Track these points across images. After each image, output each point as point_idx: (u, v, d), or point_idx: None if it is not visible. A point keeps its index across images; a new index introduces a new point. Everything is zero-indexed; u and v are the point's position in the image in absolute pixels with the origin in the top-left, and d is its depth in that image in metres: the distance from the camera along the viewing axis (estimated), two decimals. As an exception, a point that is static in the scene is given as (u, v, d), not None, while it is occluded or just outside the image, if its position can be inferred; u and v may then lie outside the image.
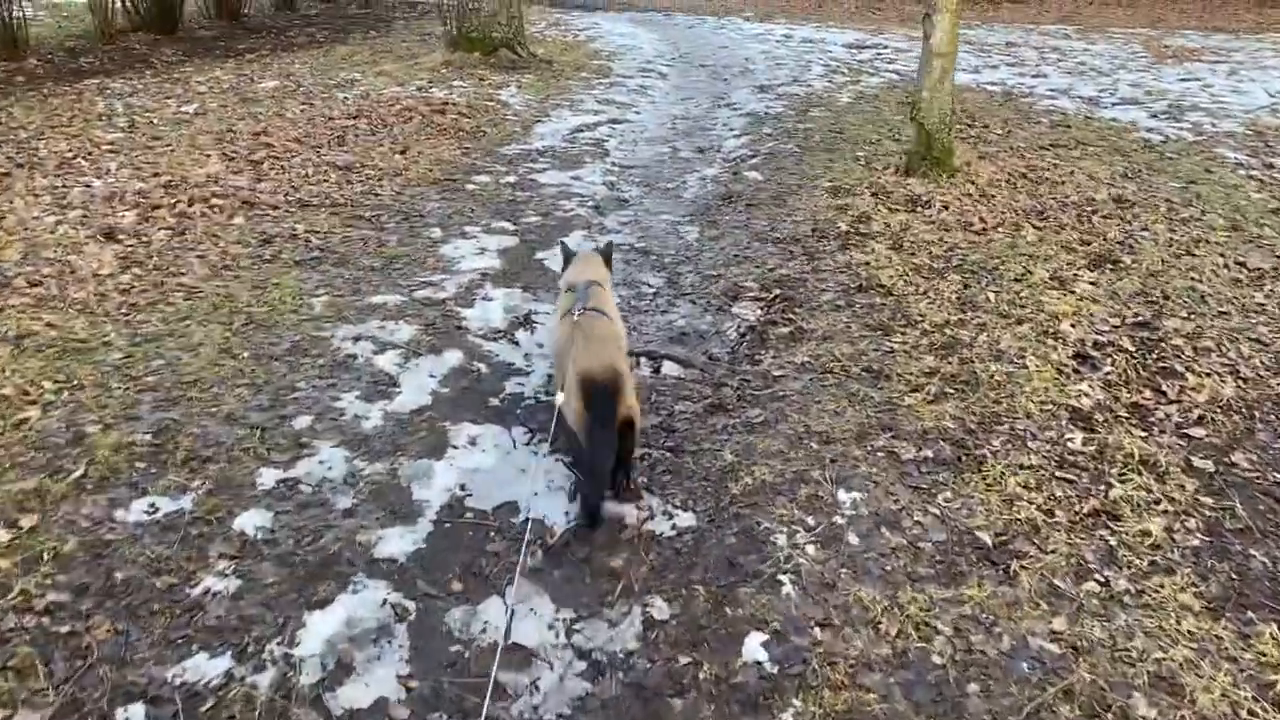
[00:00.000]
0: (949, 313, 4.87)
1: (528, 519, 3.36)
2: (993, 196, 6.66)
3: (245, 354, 4.38)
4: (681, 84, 11.31)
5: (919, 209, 6.41)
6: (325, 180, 6.99)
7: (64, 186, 6.52)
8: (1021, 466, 3.63)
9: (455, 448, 3.78)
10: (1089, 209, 6.46)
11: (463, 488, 3.55)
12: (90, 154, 7.34)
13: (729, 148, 8.37)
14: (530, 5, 15.36)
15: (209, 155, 7.32)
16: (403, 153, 7.78)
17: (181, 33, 13.32)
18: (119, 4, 12.76)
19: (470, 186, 7.06)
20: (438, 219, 6.35)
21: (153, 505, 3.35)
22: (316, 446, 3.73)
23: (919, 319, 4.81)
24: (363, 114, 8.84)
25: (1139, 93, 11.07)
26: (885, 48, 14.44)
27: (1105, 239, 5.88)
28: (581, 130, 8.82)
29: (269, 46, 12.82)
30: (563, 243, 4.69)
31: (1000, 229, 6.06)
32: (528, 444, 3.85)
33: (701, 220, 6.47)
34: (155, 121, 8.34)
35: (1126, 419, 3.95)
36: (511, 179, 7.27)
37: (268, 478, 3.53)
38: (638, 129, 9.07)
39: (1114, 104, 10.47)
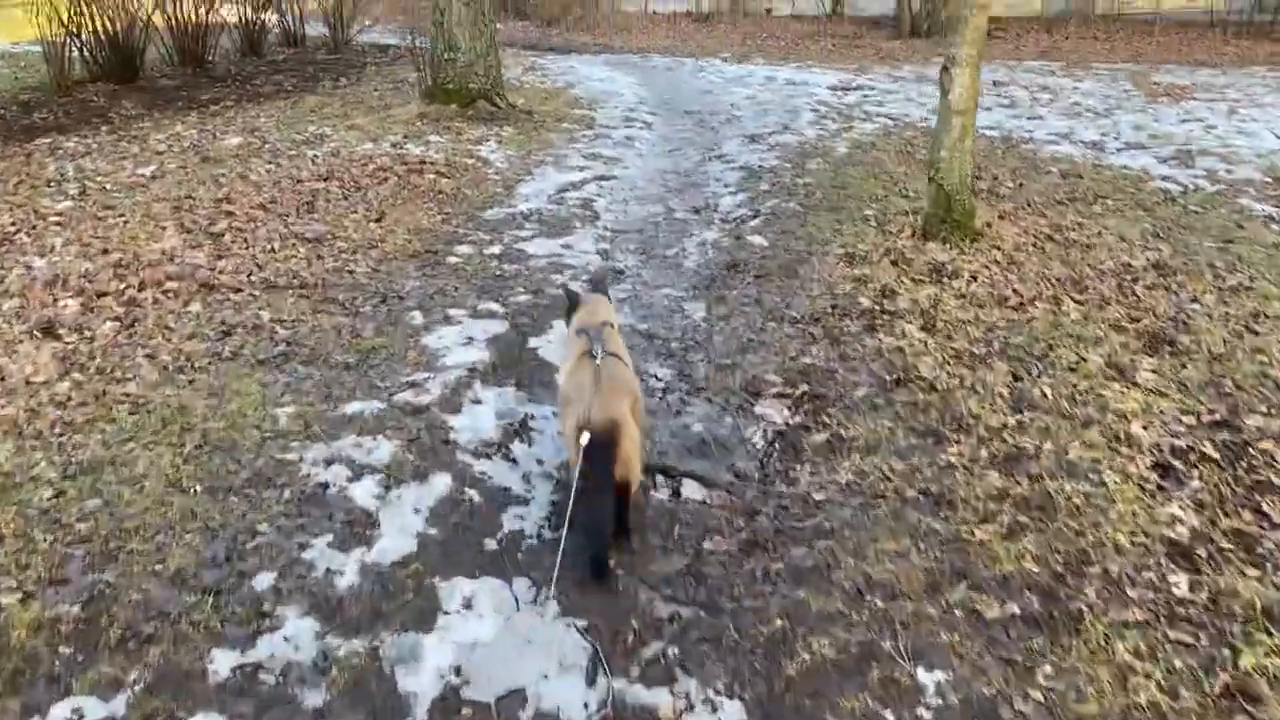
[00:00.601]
0: (1004, 413, 4.31)
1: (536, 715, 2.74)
2: (1022, 264, 6.13)
3: (197, 487, 3.75)
4: (668, 134, 10.78)
5: (945, 280, 5.87)
6: (293, 255, 6.38)
7: (1, 269, 5.87)
8: (1126, 625, 3.04)
9: (447, 613, 3.16)
10: (1128, 277, 5.95)
11: (458, 672, 2.93)
12: (34, 228, 6.71)
13: (726, 207, 7.82)
14: (505, 50, 14.83)
15: (165, 227, 6.70)
16: (378, 220, 7.17)
17: (143, 82, 12.71)
18: (76, 53, 12.12)
19: (452, 259, 6.46)
20: (418, 300, 5.74)
21: (78, 712, 2.70)
22: (281, 616, 3.09)
23: (972, 421, 4.24)
24: (334, 175, 8.24)
25: (1143, 136, 10.65)
26: (871, 89, 14.02)
27: (1155, 315, 5.35)
28: (568, 189, 8.24)
29: (234, 97, 12.21)
30: (565, 286, 4.68)
31: (1038, 303, 5.52)
32: (533, 602, 3.22)
33: (707, 295, 5.89)
34: (108, 187, 7.71)
35: (1232, 552, 3.38)
36: (496, 249, 6.68)
37: (222, 664, 2.89)
38: (627, 186, 8.51)
39: (1119, 149, 10.03)
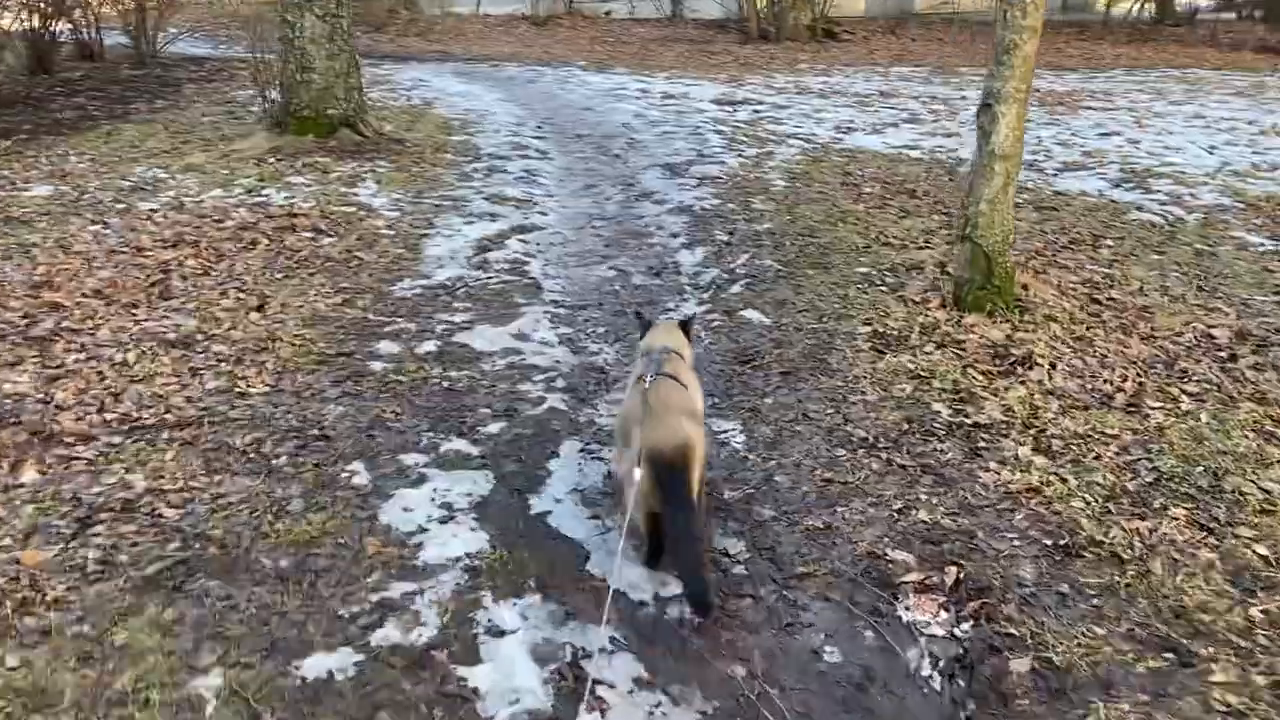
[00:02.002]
0: (1231, 598, 3.14)
1: None
2: (1091, 341, 5.07)
3: None
4: (571, 165, 9.33)
5: (1018, 369, 4.73)
6: (157, 372, 4.68)
7: None
8: None
9: None
10: (1221, 353, 4.99)
11: None
12: None
13: (689, 266, 6.50)
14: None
15: (-40, 338, 4.83)
16: (259, 308, 5.49)
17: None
18: None
19: (376, 366, 4.89)
20: (352, 439, 4.17)
21: None
22: None
23: (1205, 620, 3.06)
24: (184, 240, 6.45)
25: (1074, 154, 9.97)
26: (760, 104, 12.97)
27: (1297, 412, 4.33)
28: (488, 248, 6.73)
29: (29, 127, 10.02)
30: (638, 311, 4.43)
31: (1148, 400, 4.47)
32: None
33: (733, 406, 4.54)
34: None
35: None
36: (430, 345, 5.15)
37: None
38: (555, 239, 7.06)
39: (1059, 170, 9.26)
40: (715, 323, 5.49)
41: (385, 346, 5.13)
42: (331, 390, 4.61)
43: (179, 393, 4.50)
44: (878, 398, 4.53)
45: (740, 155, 9.64)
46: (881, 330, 5.22)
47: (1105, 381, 4.63)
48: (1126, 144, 10.48)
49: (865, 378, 4.72)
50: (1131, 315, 5.43)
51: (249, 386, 4.60)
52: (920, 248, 6.65)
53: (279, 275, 6.00)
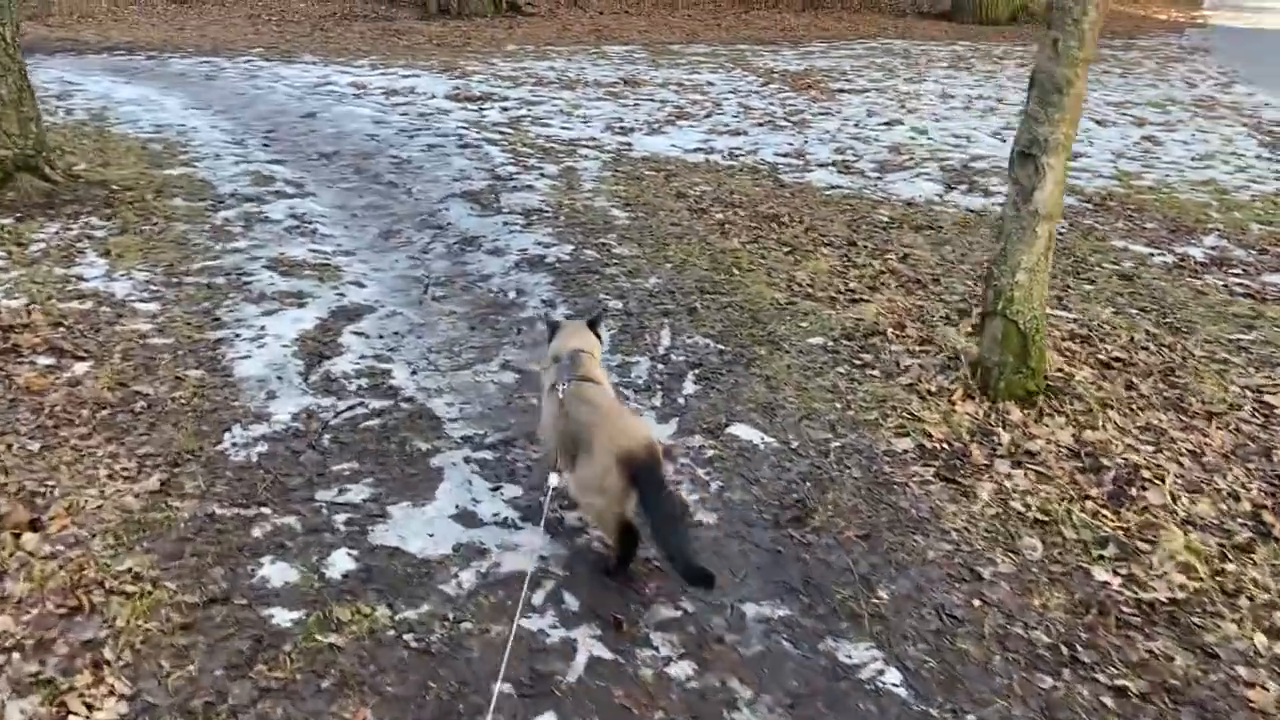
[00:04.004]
0: None
1: None
2: (1162, 431, 4.30)
3: None
4: (345, 201, 7.44)
5: (1131, 490, 3.79)
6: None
7: None
8: None
9: None
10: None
11: None
12: None
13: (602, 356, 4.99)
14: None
15: None
16: (32, 525, 3.45)
17: None
18: None
19: (281, 619, 3.13)
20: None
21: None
22: None
23: None
24: None
25: (882, 150, 9.45)
26: (504, 99, 11.49)
27: None
28: (320, 353, 4.93)
29: None
30: (546, 314, 4.51)
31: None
32: None
33: (840, 611, 3.25)
34: None
35: None
36: (343, 561, 3.46)
37: None
38: (398, 324, 5.34)
39: (879, 171, 8.64)
40: (707, 453, 4.11)
41: (272, 572, 3.33)
42: (236, 690, 2.80)
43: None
44: (1013, 566, 3.40)
45: (541, 174, 8.16)
46: (927, 445, 4.11)
47: (1228, 495, 3.77)
48: (917, 134, 10.07)
49: (967, 529, 3.59)
50: (1163, 383, 4.68)
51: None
52: (853, 299, 5.62)
53: (36, 448, 3.90)
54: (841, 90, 12.54)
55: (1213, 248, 6.81)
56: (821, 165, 8.77)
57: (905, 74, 13.86)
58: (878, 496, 3.79)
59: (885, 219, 7.18)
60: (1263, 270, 6.43)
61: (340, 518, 3.63)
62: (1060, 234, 6.82)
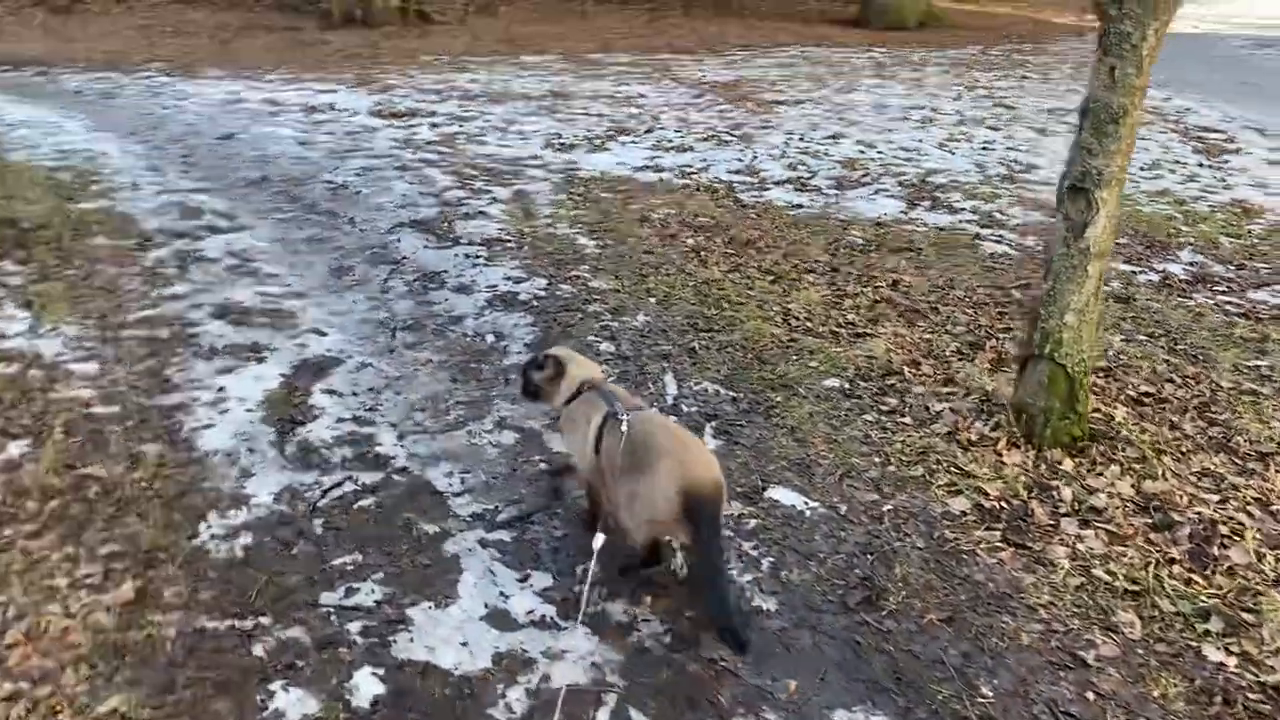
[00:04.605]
0: None
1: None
2: (1221, 478, 4.03)
3: None
4: (285, 235, 6.86)
5: (1212, 549, 3.54)
6: None
7: None
8: None
9: None
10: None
11: None
12: None
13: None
14: None
15: None
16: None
17: None
18: None
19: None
20: None
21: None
22: None
23: None
24: None
25: (831, 166, 9.15)
26: (432, 114, 10.96)
27: None
28: (293, 418, 4.41)
29: None
30: (539, 354, 3.64)
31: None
32: None
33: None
34: None
35: None
36: (368, 683, 3.02)
37: None
38: (373, 379, 4.85)
39: (836, 189, 8.41)
40: (749, 523, 3.74)
41: (287, 702, 2.85)
42: None
43: None
44: (1116, 648, 3.12)
45: (492, 199, 7.71)
46: (985, 505, 3.79)
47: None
48: (866, 148, 9.87)
49: (1053, 603, 3.30)
50: (1200, 420, 4.46)
51: None
52: (856, 334, 5.31)
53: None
54: (777, 102, 12.30)
55: (1190, 264, 6.68)
56: (778, 183, 8.47)
57: (835, 84, 13.70)
58: (948, 569, 3.46)
59: (860, 241, 6.90)
60: (1246, 287, 6.31)
61: (354, 626, 3.15)
62: (1041, 254, 6.63)
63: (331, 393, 4.63)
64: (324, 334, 5.26)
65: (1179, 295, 6.12)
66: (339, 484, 3.92)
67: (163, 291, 5.64)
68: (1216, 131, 11.06)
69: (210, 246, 6.42)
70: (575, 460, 3.54)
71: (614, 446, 3.12)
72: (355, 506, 3.78)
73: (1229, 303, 6.04)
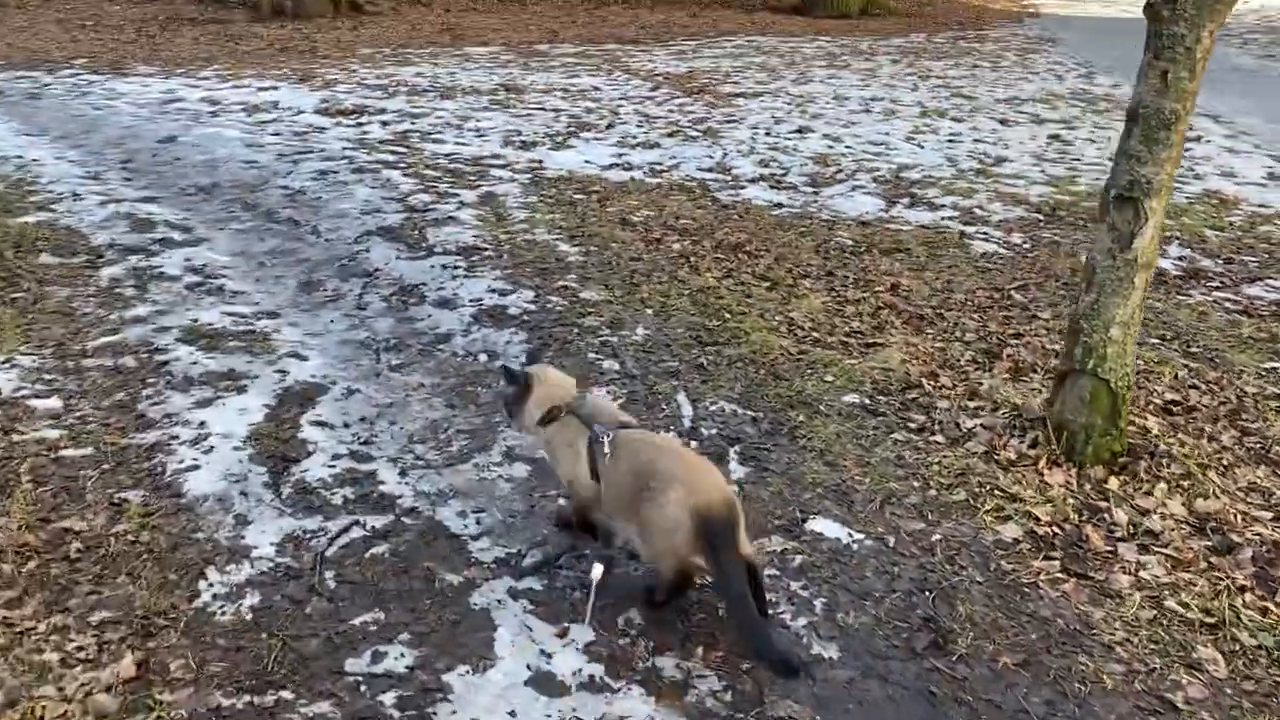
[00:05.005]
0: None
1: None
2: (1270, 493, 3.87)
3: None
4: (246, 247, 6.47)
5: (1274, 578, 3.38)
6: None
7: None
8: None
9: None
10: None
11: None
12: None
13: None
14: None
15: None
16: None
17: None
18: None
19: None
20: None
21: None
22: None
23: None
24: None
25: (803, 162, 8.94)
26: (381, 111, 10.54)
27: None
28: (286, 455, 4.10)
29: None
30: (505, 366, 3.44)
31: None
32: None
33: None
34: None
35: None
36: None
37: None
38: (363, 407, 4.53)
39: (813, 186, 8.20)
40: (794, 560, 3.51)
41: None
42: None
43: None
44: (1203, 689, 2.97)
45: (461, 203, 7.37)
46: (1037, 531, 3.59)
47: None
48: (834, 142, 9.71)
49: (1129, 640, 3.12)
50: (1232, 429, 4.32)
51: None
52: (865, 344, 5.11)
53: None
54: (735, 95, 12.08)
55: (1180, 258, 6.62)
56: (752, 181, 8.26)
57: (789, 75, 13.53)
58: (1014, 606, 3.27)
59: (850, 242, 6.72)
60: (1239, 281, 6.26)
61: (388, 698, 2.85)
62: (1030, 252, 6.52)
63: (322, 424, 4.30)
64: (304, 358, 4.91)
65: (1176, 292, 6.02)
66: (345, 529, 3.60)
67: (123, 314, 5.23)
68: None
69: (168, 262, 6.01)
70: (573, 490, 3.35)
71: (611, 474, 3.03)
72: (367, 555, 3.47)
73: (1226, 299, 5.97)
